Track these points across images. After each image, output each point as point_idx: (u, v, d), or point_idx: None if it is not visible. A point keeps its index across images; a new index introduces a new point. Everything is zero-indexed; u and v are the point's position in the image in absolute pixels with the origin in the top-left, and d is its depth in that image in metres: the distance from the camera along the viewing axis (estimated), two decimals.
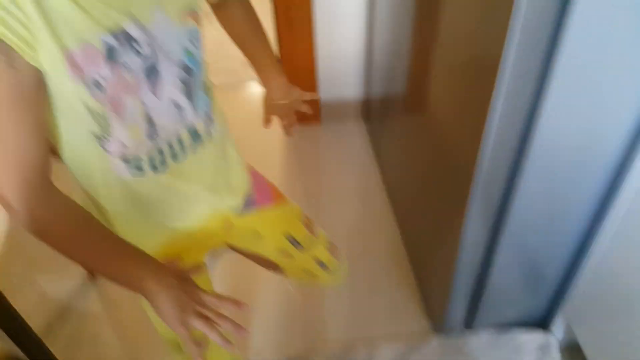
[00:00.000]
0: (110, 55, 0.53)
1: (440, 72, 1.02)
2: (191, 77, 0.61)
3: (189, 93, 0.62)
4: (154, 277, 0.57)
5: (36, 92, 0.51)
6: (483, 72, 0.77)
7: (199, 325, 0.55)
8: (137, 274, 0.58)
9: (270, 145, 1.98)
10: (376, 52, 1.66)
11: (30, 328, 0.93)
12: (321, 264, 0.96)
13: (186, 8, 0.58)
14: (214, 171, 0.74)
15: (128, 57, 0.54)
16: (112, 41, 0.53)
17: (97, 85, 0.53)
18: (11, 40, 0.47)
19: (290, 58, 1.83)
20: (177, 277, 0.59)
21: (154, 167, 0.64)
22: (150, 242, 0.69)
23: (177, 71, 0.59)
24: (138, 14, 0.54)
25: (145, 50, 0.55)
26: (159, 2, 0.55)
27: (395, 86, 1.44)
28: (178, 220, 0.73)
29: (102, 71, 0.53)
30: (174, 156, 0.65)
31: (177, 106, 0.61)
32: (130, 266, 0.59)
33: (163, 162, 0.64)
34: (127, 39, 0.54)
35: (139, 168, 0.63)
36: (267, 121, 0.93)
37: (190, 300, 0.56)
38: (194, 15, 0.59)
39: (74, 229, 0.57)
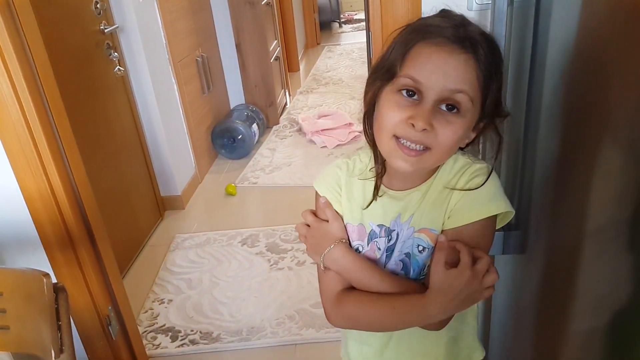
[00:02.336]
0: (372, 236, 0.76)
1: None
2: (410, 262, 0.76)
3: (406, 269, 0.77)
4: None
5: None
6: None
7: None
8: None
9: None
10: None
11: None
12: None
13: (426, 227, 0.73)
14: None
15: (380, 241, 0.76)
16: (376, 229, 0.76)
17: (357, 250, 0.77)
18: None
19: None
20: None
21: None
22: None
23: (403, 257, 0.76)
24: (400, 219, 0.74)
25: (392, 239, 0.75)
26: (413, 220, 0.73)
27: None
28: None
29: (363, 243, 0.77)
30: None
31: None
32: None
33: None
34: (386, 230, 0.75)
35: None
36: None
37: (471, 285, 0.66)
38: (430, 234, 0.73)
39: (366, 314, 0.75)
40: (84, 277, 1.33)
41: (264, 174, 2.94)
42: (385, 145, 0.67)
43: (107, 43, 2.12)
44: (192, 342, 1.72)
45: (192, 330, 1.77)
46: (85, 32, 1.99)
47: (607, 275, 0.76)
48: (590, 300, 0.83)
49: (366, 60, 1.56)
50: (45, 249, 1.28)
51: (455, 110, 0.63)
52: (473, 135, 0.70)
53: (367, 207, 0.76)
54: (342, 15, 7.23)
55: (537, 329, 1.14)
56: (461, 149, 0.73)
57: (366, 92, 0.72)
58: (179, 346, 1.71)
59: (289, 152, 3.21)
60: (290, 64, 4.76)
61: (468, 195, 0.69)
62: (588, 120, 0.83)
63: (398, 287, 0.73)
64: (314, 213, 0.80)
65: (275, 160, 3.09)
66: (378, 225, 0.76)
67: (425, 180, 0.73)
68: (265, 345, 1.68)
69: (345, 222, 0.78)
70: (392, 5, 1.20)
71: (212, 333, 1.75)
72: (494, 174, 0.71)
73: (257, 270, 2.07)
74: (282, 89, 3.96)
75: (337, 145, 3.19)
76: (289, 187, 2.78)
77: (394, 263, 0.76)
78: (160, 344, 1.72)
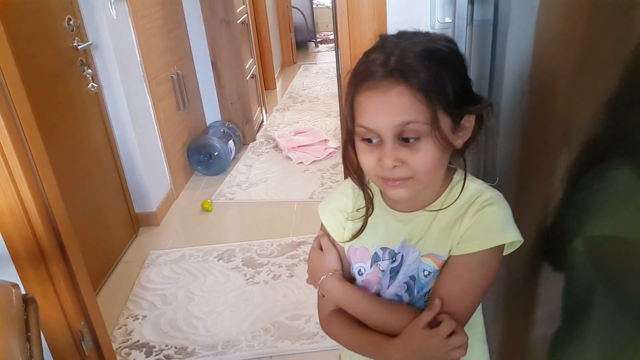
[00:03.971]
0: (375, 259, 0.78)
1: None
2: (414, 284, 0.77)
3: (410, 292, 0.77)
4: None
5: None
6: None
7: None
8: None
9: None
10: None
11: None
12: None
13: (433, 252, 0.74)
14: None
15: (383, 263, 0.77)
16: (380, 252, 0.77)
17: (359, 272, 0.80)
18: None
19: None
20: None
21: None
22: None
23: (407, 279, 0.76)
24: (406, 243, 0.75)
25: (397, 261, 0.76)
26: (419, 245, 0.74)
27: None
28: None
29: (366, 265, 0.79)
30: None
31: (398, 296, 0.78)
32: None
33: None
34: (390, 253, 0.76)
35: None
36: None
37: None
38: (436, 259, 0.73)
39: (346, 339, 0.80)
40: (56, 292, 1.32)
41: (241, 190, 2.95)
42: (377, 183, 0.71)
43: (81, 60, 2.13)
44: (167, 357, 1.70)
45: (166, 346, 1.76)
46: (58, 48, 2.00)
47: (567, 276, 0.80)
48: (552, 302, 0.87)
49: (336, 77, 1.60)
50: (15, 264, 1.27)
51: (414, 140, 0.64)
52: (460, 136, 0.69)
53: (352, 239, 0.79)
54: (318, 35, 7.35)
55: (502, 330, 1.18)
56: (463, 151, 0.72)
57: (343, 141, 0.73)
58: None
59: (265, 168, 3.23)
60: (266, 82, 4.81)
61: (478, 223, 0.69)
62: (544, 132, 0.88)
63: (388, 317, 0.74)
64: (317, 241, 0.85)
65: (251, 177, 3.11)
66: (382, 248, 0.77)
67: (432, 203, 0.74)
68: (241, 359, 1.68)
69: (348, 245, 0.80)
70: (359, 24, 1.25)
71: (187, 348, 1.74)
72: (504, 202, 0.72)
73: (233, 284, 2.07)
74: (259, 106, 4.00)
75: (313, 162, 3.23)
76: (265, 202, 2.79)
77: (397, 285, 0.77)
78: (134, 359, 1.71)
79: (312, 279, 0.84)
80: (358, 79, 0.66)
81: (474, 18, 1.08)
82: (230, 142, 3.26)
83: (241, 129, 3.53)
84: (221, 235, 2.51)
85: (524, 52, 0.92)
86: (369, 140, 0.67)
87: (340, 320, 0.80)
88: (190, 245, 2.40)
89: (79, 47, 2.09)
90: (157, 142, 2.70)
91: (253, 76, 3.76)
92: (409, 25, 1.14)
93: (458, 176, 0.74)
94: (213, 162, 3.14)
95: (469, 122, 0.69)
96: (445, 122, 0.64)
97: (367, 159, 0.68)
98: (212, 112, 3.51)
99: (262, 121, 4.08)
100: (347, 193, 0.81)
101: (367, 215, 0.78)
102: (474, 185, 0.73)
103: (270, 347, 1.71)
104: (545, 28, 0.85)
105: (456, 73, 0.66)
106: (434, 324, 0.69)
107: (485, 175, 1.08)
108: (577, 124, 0.75)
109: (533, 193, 0.94)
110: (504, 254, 0.72)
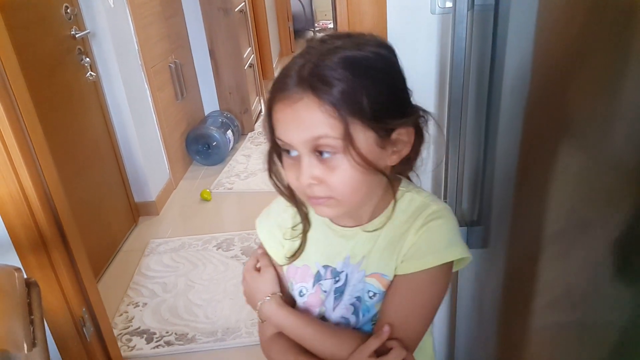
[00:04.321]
0: (317, 278, 0.73)
1: None
2: (361, 306, 0.73)
3: (357, 314, 0.73)
4: None
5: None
6: None
7: None
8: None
9: None
10: None
11: None
12: None
13: (377, 272, 0.70)
14: None
15: (326, 283, 0.73)
16: (322, 270, 0.73)
17: (300, 293, 0.75)
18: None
19: None
20: None
21: None
22: None
23: (354, 300, 0.72)
24: (349, 261, 0.71)
25: (341, 281, 0.72)
26: (364, 264, 0.70)
27: None
28: None
29: (307, 285, 0.74)
30: None
31: (345, 319, 0.74)
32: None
33: None
34: (333, 272, 0.72)
35: None
36: None
37: None
38: (381, 279, 0.69)
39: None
40: (57, 279, 1.32)
41: (239, 179, 2.95)
42: (304, 200, 0.67)
43: (79, 48, 2.12)
44: (168, 343, 1.72)
45: (167, 332, 1.77)
46: (56, 37, 1.99)
47: (568, 270, 0.80)
48: (552, 295, 0.88)
49: None
50: (17, 251, 1.28)
51: (329, 155, 0.59)
52: (395, 152, 0.64)
53: (291, 259, 0.74)
54: (316, 24, 7.31)
55: (500, 322, 1.19)
56: (406, 168, 0.69)
57: (268, 152, 0.67)
58: (154, 347, 1.71)
59: (264, 158, 3.22)
60: (264, 71, 4.79)
61: (422, 239, 0.65)
62: (546, 120, 0.88)
63: (334, 344, 0.70)
64: (253, 259, 0.79)
65: (250, 166, 3.11)
66: (324, 266, 0.73)
67: (374, 219, 0.69)
68: (241, 345, 1.70)
69: (287, 264, 0.75)
70: (358, 10, 1.25)
71: (188, 334, 1.75)
72: (451, 216, 0.68)
73: (232, 273, 2.08)
74: (257, 96, 3.99)
75: None
76: (264, 192, 2.80)
77: (344, 307, 0.72)
78: (135, 345, 1.72)
79: (249, 302, 0.77)
80: (274, 88, 0.61)
81: (475, 3, 1.08)
82: (229, 132, 3.25)
83: (239, 119, 3.53)
84: (220, 224, 2.52)
85: (526, 37, 0.92)
86: (288, 152, 0.62)
87: (280, 345, 0.75)
88: (189, 234, 2.41)
89: (76, 36, 2.08)
90: (156, 131, 2.70)
91: (251, 65, 3.75)
92: (410, 10, 1.14)
93: (404, 187, 0.70)
94: (211, 152, 3.14)
95: (405, 135, 0.63)
96: (366, 136, 0.59)
97: (289, 173, 0.64)
98: (210, 102, 3.51)
99: (261, 111, 4.07)
100: (285, 208, 0.75)
101: (305, 232, 0.73)
102: (420, 198, 0.69)
103: None
104: (547, 12, 0.85)
105: (379, 83, 0.59)
106: (382, 350, 0.65)
107: (484, 177, 1.07)
108: (582, 116, 0.75)
109: (535, 184, 0.94)
110: (453, 270, 0.68)
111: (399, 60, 0.64)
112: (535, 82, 0.90)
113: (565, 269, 0.81)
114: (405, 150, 0.64)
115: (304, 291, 0.74)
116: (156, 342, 1.73)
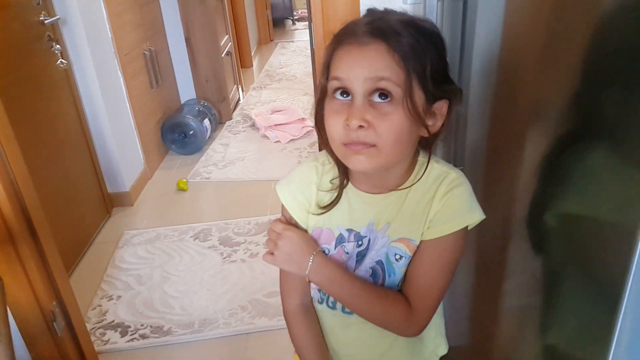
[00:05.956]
0: (339, 240, 0.76)
1: None
2: (381, 270, 0.76)
3: (375, 277, 0.77)
4: None
5: None
6: None
7: None
8: None
9: None
10: None
11: None
12: None
13: (405, 236, 0.73)
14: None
15: (348, 245, 0.76)
16: (345, 233, 0.75)
17: (324, 252, 0.76)
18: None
19: None
20: None
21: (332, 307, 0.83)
22: None
23: (373, 264, 0.76)
24: (372, 226, 0.74)
25: (364, 245, 0.75)
26: (389, 230, 0.74)
27: None
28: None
29: (330, 247, 0.76)
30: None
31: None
32: None
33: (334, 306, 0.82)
34: (356, 236, 0.75)
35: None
36: None
37: None
38: (409, 244, 0.73)
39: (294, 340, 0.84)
40: (25, 273, 1.29)
41: (217, 169, 2.93)
42: (338, 152, 0.68)
43: (48, 35, 2.05)
44: (143, 336, 1.71)
45: (142, 325, 1.75)
46: (23, 23, 1.92)
47: (540, 250, 0.82)
48: (520, 279, 0.89)
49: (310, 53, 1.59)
50: None
51: (387, 99, 0.62)
52: (432, 123, 0.67)
53: (322, 213, 0.76)
54: (295, 13, 7.24)
55: (472, 306, 1.21)
56: (432, 141, 0.71)
57: (316, 112, 0.71)
58: (128, 341, 1.69)
59: (242, 147, 3.20)
60: (242, 60, 4.74)
61: (447, 206, 0.70)
62: (513, 108, 0.89)
63: (374, 294, 0.73)
64: (282, 221, 0.79)
65: (228, 156, 3.09)
66: (347, 230, 0.76)
67: (397, 188, 0.73)
68: (218, 336, 1.69)
69: (313, 226, 0.77)
70: (332, 0, 1.24)
71: (163, 327, 1.74)
72: (467, 182, 0.72)
73: (209, 263, 2.07)
74: (235, 84, 3.94)
75: (291, 140, 3.21)
76: (242, 181, 2.78)
77: (363, 270, 0.76)
78: (109, 339, 1.70)
79: (290, 265, 0.76)
80: (341, 33, 0.66)
81: None
82: (206, 121, 3.21)
83: (217, 108, 3.49)
84: (197, 214, 2.50)
85: (494, 28, 0.92)
86: (342, 95, 0.64)
87: (295, 324, 0.82)
88: (165, 225, 2.38)
89: (45, 22, 2.01)
90: (130, 120, 2.65)
91: (228, 53, 3.70)
92: (382, 1, 1.14)
93: (422, 158, 0.74)
94: (188, 141, 3.10)
95: (440, 111, 0.67)
96: (418, 96, 0.63)
97: (333, 120, 0.65)
98: (186, 90, 3.45)
99: (239, 99, 4.03)
100: (310, 175, 0.78)
101: (342, 186, 0.75)
102: (439, 166, 0.73)
103: (247, 324, 1.72)
104: (514, 3, 0.86)
105: (437, 51, 0.65)
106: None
107: (455, 161, 1.10)
108: (547, 100, 0.76)
109: (503, 168, 0.96)
110: (469, 228, 0.73)
111: None
112: (504, 72, 0.92)
113: (536, 250, 0.83)
114: (437, 126, 0.68)
115: (327, 252, 0.77)
116: (131, 335, 1.71)
